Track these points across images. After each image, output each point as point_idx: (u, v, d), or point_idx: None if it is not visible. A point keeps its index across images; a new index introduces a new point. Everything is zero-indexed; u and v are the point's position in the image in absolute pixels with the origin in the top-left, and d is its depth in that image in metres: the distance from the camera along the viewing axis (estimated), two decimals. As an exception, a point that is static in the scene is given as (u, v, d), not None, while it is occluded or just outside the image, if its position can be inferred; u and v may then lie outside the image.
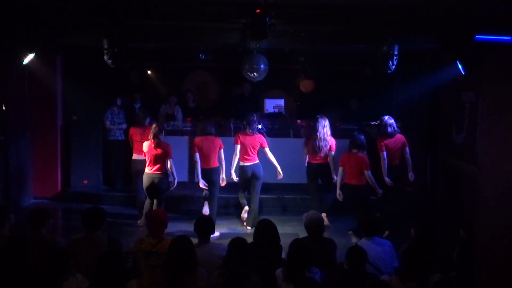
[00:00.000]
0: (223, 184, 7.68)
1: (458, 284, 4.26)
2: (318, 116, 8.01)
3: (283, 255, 4.83)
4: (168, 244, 4.41)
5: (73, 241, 4.87)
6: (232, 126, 9.65)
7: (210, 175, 7.54)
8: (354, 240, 6.09)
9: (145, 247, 4.80)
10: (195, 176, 7.71)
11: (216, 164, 7.59)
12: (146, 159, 7.40)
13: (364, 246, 4.63)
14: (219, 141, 7.62)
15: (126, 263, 4.33)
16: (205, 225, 4.98)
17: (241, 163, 7.77)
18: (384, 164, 7.44)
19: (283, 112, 10.34)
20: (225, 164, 7.70)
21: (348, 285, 4.21)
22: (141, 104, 10.33)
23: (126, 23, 7.30)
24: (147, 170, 7.40)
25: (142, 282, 4.32)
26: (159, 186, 7.37)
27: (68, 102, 9.64)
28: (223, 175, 7.67)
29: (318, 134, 7.88)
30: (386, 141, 7.55)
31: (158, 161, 7.33)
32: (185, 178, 9.47)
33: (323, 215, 8.10)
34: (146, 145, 7.38)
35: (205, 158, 7.51)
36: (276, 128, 9.67)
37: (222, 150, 7.62)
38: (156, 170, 7.34)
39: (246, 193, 8.05)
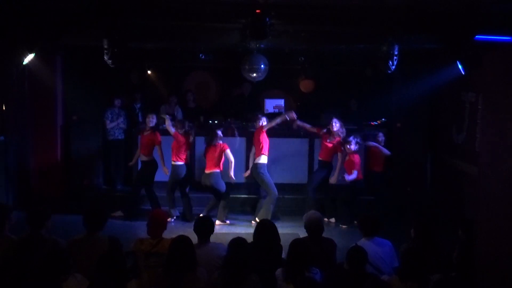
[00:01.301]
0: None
1: (458, 284, 4.26)
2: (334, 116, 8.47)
3: (283, 255, 4.83)
4: (167, 245, 4.41)
5: (73, 241, 4.87)
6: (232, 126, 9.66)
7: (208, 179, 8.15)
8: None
9: (144, 247, 4.80)
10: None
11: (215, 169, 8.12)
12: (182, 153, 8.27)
13: (364, 246, 4.63)
14: (223, 146, 8.11)
15: (126, 263, 4.33)
16: (205, 225, 4.98)
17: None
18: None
19: (283, 112, 10.32)
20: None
21: (348, 285, 4.21)
22: (141, 104, 10.32)
23: (126, 23, 7.30)
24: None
25: (142, 283, 4.32)
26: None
27: (68, 102, 9.63)
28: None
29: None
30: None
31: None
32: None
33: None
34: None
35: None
36: (276, 128, 9.65)
37: (228, 151, 8.08)
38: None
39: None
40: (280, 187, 8.91)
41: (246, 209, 8.91)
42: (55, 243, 4.78)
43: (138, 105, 10.27)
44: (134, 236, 6.47)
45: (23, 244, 4.59)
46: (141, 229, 7.59)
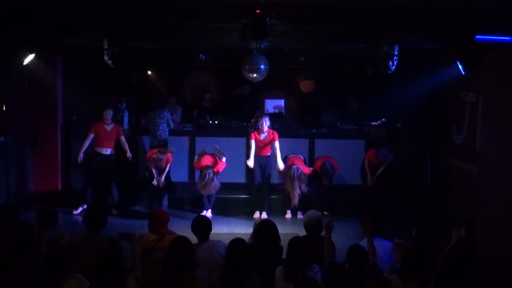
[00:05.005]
0: None
1: (458, 284, 4.26)
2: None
3: (283, 256, 4.83)
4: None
5: (73, 243, 4.87)
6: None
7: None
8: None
9: (148, 243, 4.80)
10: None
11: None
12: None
13: (365, 246, 4.63)
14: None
15: (124, 262, 4.31)
16: (202, 225, 4.98)
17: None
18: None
19: (283, 112, 10.33)
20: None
21: (349, 284, 4.21)
22: (127, 104, 10.17)
23: (126, 23, 7.30)
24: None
25: (138, 278, 4.25)
26: None
27: (68, 102, 9.63)
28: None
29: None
30: None
31: None
32: (185, 178, 9.48)
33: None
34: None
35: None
36: (276, 128, 9.66)
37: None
38: None
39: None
40: (280, 186, 8.92)
41: (246, 209, 8.90)
42: (56, 242, 4.79)
43: (124, 105, 10.14)
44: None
45: (25, 244, 4.59)
46: (141, 229, 7.58)
